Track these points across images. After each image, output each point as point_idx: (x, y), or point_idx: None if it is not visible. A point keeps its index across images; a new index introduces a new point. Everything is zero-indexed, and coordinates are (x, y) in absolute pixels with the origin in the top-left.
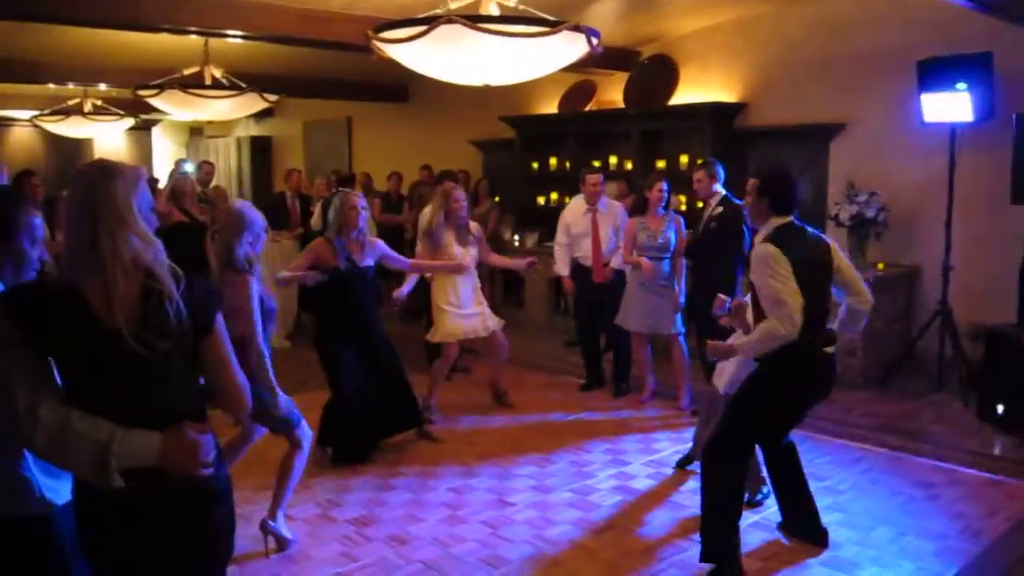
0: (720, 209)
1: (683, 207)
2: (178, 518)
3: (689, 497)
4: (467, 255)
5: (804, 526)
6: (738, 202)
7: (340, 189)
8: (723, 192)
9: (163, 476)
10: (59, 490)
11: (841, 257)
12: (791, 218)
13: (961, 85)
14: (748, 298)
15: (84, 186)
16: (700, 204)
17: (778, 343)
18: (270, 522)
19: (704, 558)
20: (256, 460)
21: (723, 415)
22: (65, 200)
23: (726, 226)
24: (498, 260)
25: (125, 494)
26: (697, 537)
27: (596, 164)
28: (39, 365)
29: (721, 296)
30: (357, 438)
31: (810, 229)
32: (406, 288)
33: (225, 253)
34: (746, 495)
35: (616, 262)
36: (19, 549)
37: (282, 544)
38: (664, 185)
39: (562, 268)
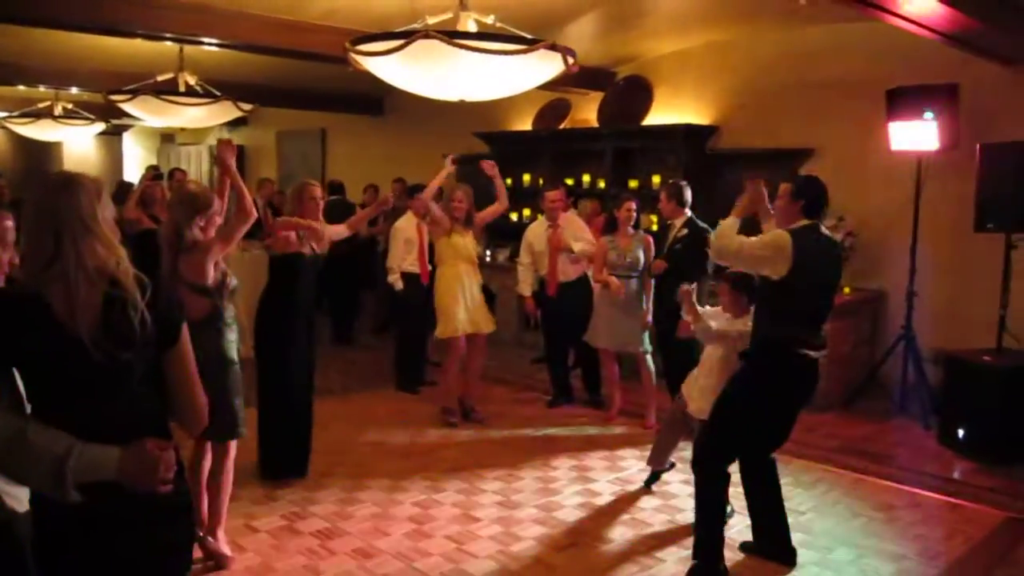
0: (685, 231)
1: (654, 227)
2: (136, 532)
3: (653, 515)
4: (471, 245)
5: (774, 544)
6: (704, 225)
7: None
8: (689, 214)
9: (122, 490)
10: (22, 498)
11: None
12: (817, 221)
13: (928, 114)
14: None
15: (47, 194)
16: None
17: (718, 239)
18: (209, 539)
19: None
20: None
21: (709, 418)
22: (26, 208)
23: (691, 248)
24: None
25: (83, 507)
26: (660, 554)
27: (569, 182)
28: None
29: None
30: (298, 445)
31: (830, 234)
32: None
33: (173, 235)
34: None
35: (578, 248)
36: None
37: (221, 562)
38: (633, 204)
39: (524, 288)
